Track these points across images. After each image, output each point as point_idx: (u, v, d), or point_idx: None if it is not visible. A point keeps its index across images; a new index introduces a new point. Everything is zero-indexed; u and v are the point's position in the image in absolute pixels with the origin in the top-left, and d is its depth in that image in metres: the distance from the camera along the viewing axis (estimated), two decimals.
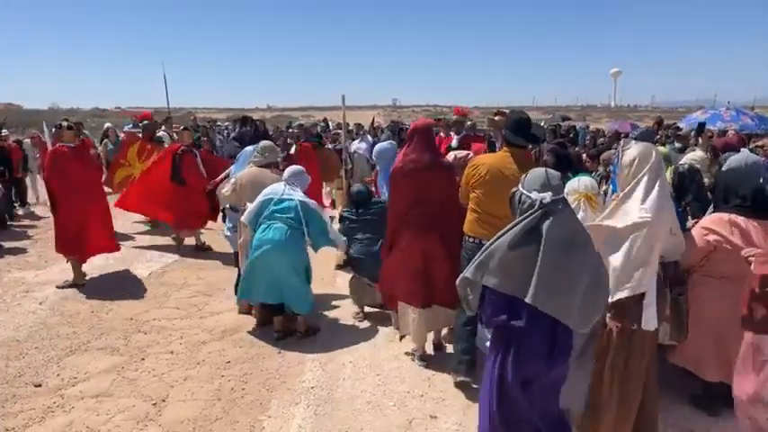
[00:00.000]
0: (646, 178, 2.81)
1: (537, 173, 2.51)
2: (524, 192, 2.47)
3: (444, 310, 4.24)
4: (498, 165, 3.73)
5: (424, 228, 4.11)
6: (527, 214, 2.40)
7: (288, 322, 4.94)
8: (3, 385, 4.09)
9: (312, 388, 4.11)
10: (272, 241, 4.60)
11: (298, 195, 4.75)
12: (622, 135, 11.81)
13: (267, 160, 5.28)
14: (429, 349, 4.57)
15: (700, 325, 3.41)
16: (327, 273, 6.56)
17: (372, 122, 16.96)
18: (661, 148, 5.50)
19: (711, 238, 3.29)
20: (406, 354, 4.53)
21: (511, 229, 2.40)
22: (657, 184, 2.81)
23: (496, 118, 6.74)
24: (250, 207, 4.78)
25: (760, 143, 8.00)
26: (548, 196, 2.37)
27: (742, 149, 5.62)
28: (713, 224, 3.33)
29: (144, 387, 4.13)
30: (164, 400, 3.95)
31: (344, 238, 5.10)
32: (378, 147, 5.93)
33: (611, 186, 3.95)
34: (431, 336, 4.59)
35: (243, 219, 4.82)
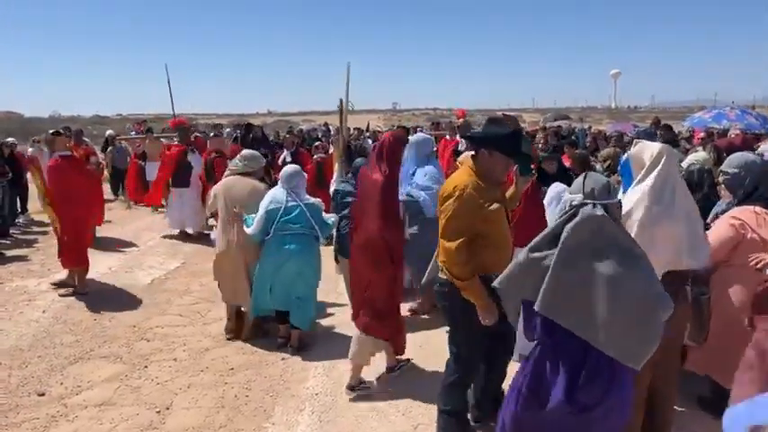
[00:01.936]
0: (659, 172, 2.75)
1: (580, 178, 2.43)
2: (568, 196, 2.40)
3: (356, 333, 4.06)
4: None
5: (360, 243, 3.97)
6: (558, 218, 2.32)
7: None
8: (6, 395, 4.08)
9: (316, 394, 4.09)
10: (294, 253, 4.63)
11: (301, 199, 4.71)
12: (626, 136, 11.85)
13: (246, 169, 5.15)
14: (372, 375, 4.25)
15: (723, 325, 3.29)
16: (331, 275, 6.54)
17: (367, 127, 16.94)
18: None
19: (738, 224, 3.21)
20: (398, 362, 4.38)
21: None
22: (671, 182, 2.76)
23: (460, 121, 6.79)
24: (256, 218, 4.68)
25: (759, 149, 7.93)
26: (578, 198, 2.29)
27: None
28: (741, 214, 3.26)
29: (147, 395, 4.12)
30: (168, 408, 3.94)
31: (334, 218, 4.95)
32: (419, 136, 5.87)
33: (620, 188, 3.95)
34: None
35: (249, 231, 4.72)
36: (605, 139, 12.62)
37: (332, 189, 6.45)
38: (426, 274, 3.67)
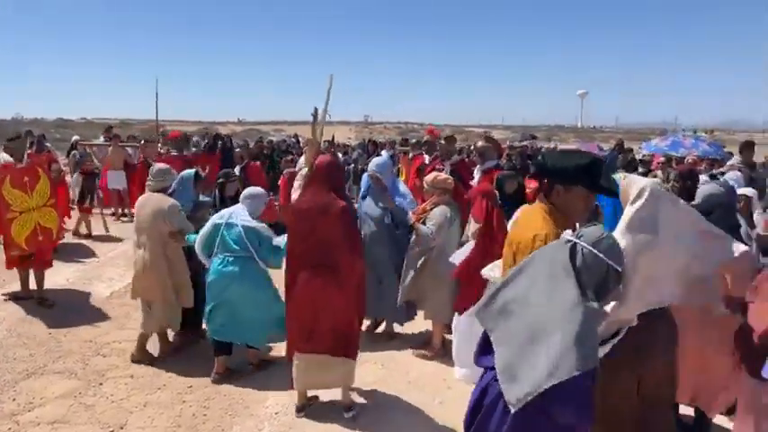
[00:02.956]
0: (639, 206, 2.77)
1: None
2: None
3: (335, 360, 3.92)
4: None
5: (313, 272, 3.81)
6: None
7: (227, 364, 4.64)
8: None
9: (276, 414, 4.07)
10: (236, 276, 4.39)
11: (241, 219, 4.46)
12: None
13: (159, 186, 4.92)
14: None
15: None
16: None
17: (332, 139, 16.98)
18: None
19: None
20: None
21: None
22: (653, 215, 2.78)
23: (480, 143, 6.81)
24: (201, 232, 4.56)
25: (723, 169, 8.22)
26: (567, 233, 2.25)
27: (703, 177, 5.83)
28: None
29: (102, 413, 4.04)
30: (122, 428, 3.87)
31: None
32: (378, 161, 5.71)
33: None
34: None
35: (195, 247, 4.57)
36: None
37: (293, 200, 6.43)
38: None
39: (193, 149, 11.10)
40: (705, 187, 3.97)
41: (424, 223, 4.89)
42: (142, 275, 4.77)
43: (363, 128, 61.95)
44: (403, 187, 5.75)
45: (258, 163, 9.57)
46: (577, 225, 2.50)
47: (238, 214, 4.49)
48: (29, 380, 4.48)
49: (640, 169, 8.61)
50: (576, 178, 2.56)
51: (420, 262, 4.93)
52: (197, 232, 4.64)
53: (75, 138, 13.62)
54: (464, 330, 4.27)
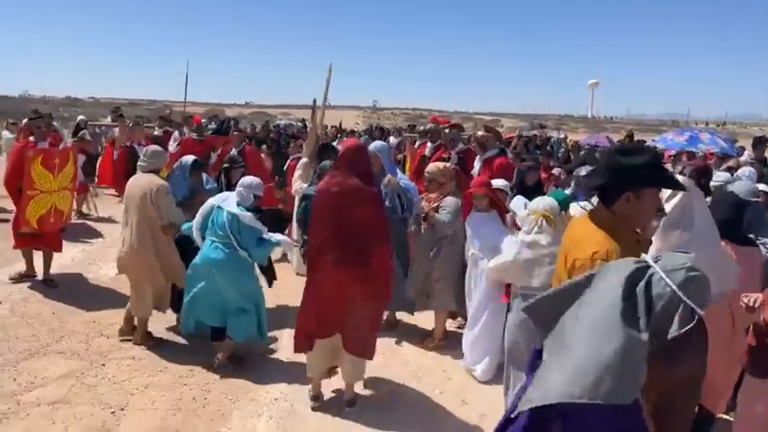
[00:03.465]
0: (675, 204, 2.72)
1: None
2: None
3: (351, 358, 3.87)
4: None
5: (340, 264, 3.64)
6: None
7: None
8: None
9: (275, 399, 4.08)
10: (219, 263, 4.29)
11: (231, 206, 4.34)
12: (597, 149, 12.05)
13: (151, 167, 4.87)
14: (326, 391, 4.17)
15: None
16: (292, 280, 6.52)
17: (340, 125, 16.99)
18: None
19: None
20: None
21: None
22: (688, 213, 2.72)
23: (479, 133, 6.72)
24: (200, 210, 4.51)
25: (731, 163, 8.14)
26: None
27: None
28: None
29: (103, 394, 4.05)
30: (122, 409, 3.88)
31: (284, 238, 4.64)
32: (377, 144, 5.78)
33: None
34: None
35: (193, 226, 4.51)
36: (579, 150, 12.84)
37: (295, 188, 6.40)
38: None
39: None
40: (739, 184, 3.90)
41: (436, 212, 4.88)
42: (128, 255, 4.72)
43: (371, 113, 61.70)
44: (405, 180, 5.67)
45: (253, 147, 9.36)
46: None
47: (230, 200, 4.40)
48: (31, 359, 4.50)
49: None
50: (649, 178, 2.20)
51: (433, 252, 4.90)
52: (190, 221, 4.58)
53: (80, 118, 13.61)
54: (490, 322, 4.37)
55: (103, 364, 4.49)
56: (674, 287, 1.73)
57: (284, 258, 7.09)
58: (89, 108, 34.87)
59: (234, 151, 7.93)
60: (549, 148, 12.55)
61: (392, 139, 11.00)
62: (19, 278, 6.16)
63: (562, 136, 19.51)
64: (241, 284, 4.38)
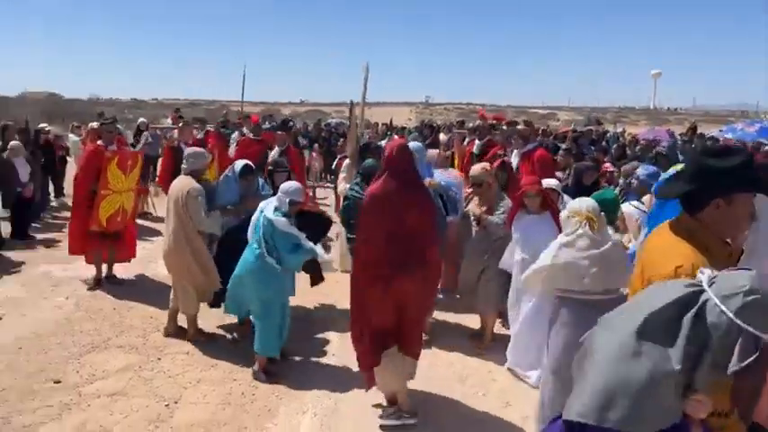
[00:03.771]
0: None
1: None
2: None
3: (406, 359, 3.77)
4: None
5: (397, 273, 3.50)
6: None
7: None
8: (24, 381, 4.25)
9: (318, 397, 4.16)
10: (248, 266, 4.42)
11: (268, 211, 4.35)
12: (654, 145, 11.59)
13: (191, 168, 4.99)
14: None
15: None
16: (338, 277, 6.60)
17: (390, 123, 17.03)
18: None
19: None
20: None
21: None
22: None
23: (519, 127, 6.67)
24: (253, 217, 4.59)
25: None
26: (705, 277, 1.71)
27: None
28: None
29: (158, 387, 4.25)
30: (176, 402, 4.06)
31: (321, 252, 4.55)
32: (413, 144, 5.65)
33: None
34: None
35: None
36: (637, 144, 12.37)
37: (339, 189, 6.47)
38: None
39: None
40: None
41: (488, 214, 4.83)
42: (167, 254, 4.97)
43: (424, 109, 61.42)
44: (445, 178, 5.61)
45: (297, 148, 9.48)
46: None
47: (271, 205, 4.43)
48: (92, 353, 4.76)
49: None
50: (744, 182, 1.97)
51: (487, 254, 4.85)
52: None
53: (140, 120, 14.15)
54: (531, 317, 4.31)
55: (159, 359, 4.70)
56: (730, 315, 1.51)
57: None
58: (151, 110, 36.32)
59: (277, 151, 7.96)
60: (604, 143, 12.17)
61: (442, 136, 10.90)
62: (94, 285, 6.30)
63: (619, 130, 18.82)
64: (262, 291, 4.39)
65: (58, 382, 4.26)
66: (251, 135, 9.53)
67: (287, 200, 4.38)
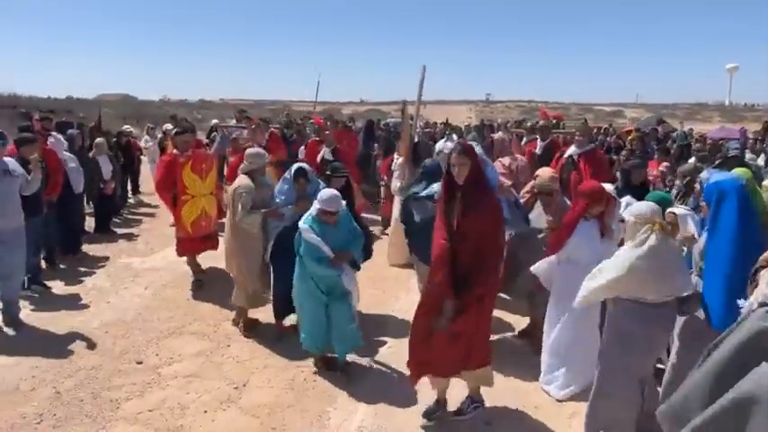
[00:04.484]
0: None
1: None
2: None
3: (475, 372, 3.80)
4: None
5: (457, 299, 3.43)
6: None
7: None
8: (111, 361, 4.71)
9: (371, 391, 4.33)
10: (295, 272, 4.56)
11: (303, 218, 4.40)
12: (722, 145, 11.14)
13: (250, 167, 5.18)
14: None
15: None
16: (392, 272, 6.83)
17: (446, 122, 17.02)
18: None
19: None
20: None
21: None
22: None
23: (582, 126, 6.66)
24: None
25: None
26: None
27: None
28: None
29: (228, 371, 4.60)
30: (244, 385, 4.40)
31: (348, 272, 4.47)
32: (447, 145, 5.43)
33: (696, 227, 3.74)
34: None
35: None
36: (703, 142, 11.90)
37: (394, 187, 6.63)
38: None
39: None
40: None
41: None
42: (226, 251, 5.36)
43: (484, 107, 60.68)
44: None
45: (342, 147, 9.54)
46: None
47: (309, 211, 4.43)
48: (169, 338, 5.19)
49: None
50: None
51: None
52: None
53: (214, 121, 14.85)
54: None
55: (228, 345, 5.07)
56: None
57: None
58: (218, 110, 37.63)
59: (327, 150, 8.11)
60: (669, 143, 11.77)
61: (499, 135, 10.87)
62: (196, 287, 6.43)
63: (686, 129, 18.03)
64: (295, 292, 4.56)
65: (140, 363, 4.70)
66: (315, 137, 9.81)
67: (317, 207, 4.30)
